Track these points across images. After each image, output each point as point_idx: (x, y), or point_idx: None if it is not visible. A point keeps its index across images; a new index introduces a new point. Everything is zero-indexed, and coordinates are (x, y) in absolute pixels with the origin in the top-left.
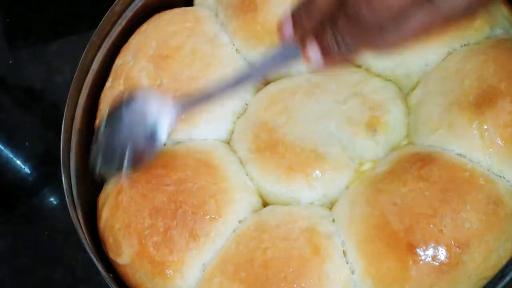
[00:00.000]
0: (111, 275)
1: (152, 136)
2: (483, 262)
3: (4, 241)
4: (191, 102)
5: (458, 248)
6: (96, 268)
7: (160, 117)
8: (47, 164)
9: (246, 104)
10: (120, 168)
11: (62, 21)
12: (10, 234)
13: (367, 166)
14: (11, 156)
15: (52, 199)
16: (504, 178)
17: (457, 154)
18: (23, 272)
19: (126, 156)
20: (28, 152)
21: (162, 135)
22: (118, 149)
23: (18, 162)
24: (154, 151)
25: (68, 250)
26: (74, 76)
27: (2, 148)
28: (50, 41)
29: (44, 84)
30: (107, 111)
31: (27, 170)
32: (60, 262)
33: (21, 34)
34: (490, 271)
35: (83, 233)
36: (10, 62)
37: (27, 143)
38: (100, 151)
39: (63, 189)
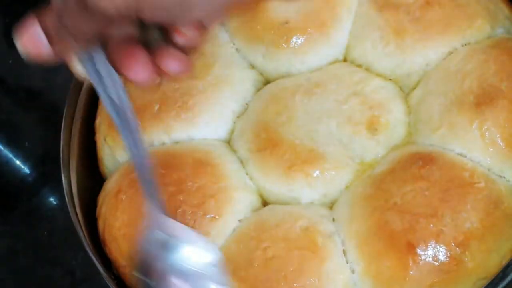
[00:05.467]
0: (112, 276)
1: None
2: (483, 262)
3: (4, 241)
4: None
5: (458, 248)
6: (96, 268)
7: None
8: (47, 164)
9: (246, 104)
10: None
11: None
12: (10, 234)
13: (367, 165)
14: (11, 156)
15: (52, 199)
16: (505, 178)
17: (458, 154)
18: (23, 272)
19: None
20: (28, 152)
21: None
22: None
23: (18, 162)
24: None
25: (68, 250)
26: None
27: (2, 148)
28: None
29: (44, 84)
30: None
31: (27, 170)
32: (60, 262)
33: None
34: (491, 271)
35: (83, 233)
36: (10, 62)
37: (27, 143)
38: None
39: (63, 189)
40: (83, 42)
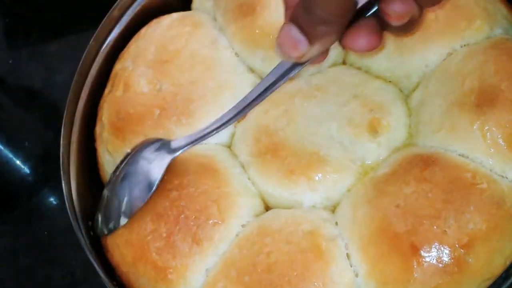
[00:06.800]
0: (114, 282)
1: (147, 184)
2: (487, 262)
3: (4, 241)
4: (192, 140)
5: (462, 249)
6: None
7: (154, 165)
8: (47, 164)
9: None
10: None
11: (62, 21)
12: (10, 234)
13: (369, 168)
14: (11, 156)
15: (52, 199)
16: (507, 178)
17: (460, 155)
18: (23, 272)
19: (122, 209)
20: (28, 152)
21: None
22: (116, 203)
23: (18, 162)
24: (147, 197)
25: (68, 250)
26: (73, 82)
27: (2, 148)
28: (50, 41)
29: (44, 84)
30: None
31: (27, 170)
32: (60, 262)
33: (21, 34)
34: (495, 272)
35: (84, 240)
36: (10, 62)
37: (27, 143)
38: (100, 210)
39: (63, 189)
40: (337, 24)
